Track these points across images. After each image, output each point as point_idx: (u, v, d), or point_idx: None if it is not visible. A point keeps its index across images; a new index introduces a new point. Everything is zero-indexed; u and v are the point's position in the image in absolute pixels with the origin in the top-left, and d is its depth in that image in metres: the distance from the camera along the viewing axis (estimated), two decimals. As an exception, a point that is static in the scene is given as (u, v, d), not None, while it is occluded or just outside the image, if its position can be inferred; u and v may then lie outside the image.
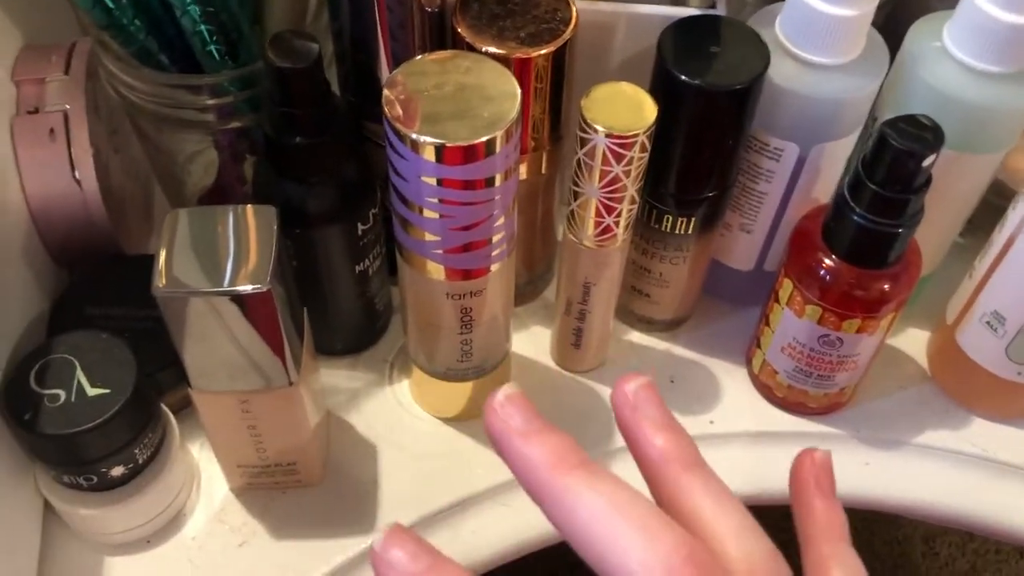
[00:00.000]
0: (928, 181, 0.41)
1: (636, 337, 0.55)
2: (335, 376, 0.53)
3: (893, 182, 0.41)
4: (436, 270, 0.42)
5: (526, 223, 0.51)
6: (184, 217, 0.39)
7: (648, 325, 0.55)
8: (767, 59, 0.42)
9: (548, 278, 0.56)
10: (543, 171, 0.48)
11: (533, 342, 0.55)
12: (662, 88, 0.43)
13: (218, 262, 0.38)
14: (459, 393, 0.49)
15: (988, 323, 0.48)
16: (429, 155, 0.36)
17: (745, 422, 0.52)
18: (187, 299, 0.37)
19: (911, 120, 0.41)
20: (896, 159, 0.40)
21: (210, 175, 0.50)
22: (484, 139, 0.36)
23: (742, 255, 0.53)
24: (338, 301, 0.49)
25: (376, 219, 0.47)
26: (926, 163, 0.40)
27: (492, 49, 0.42)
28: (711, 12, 0.47)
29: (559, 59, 0.43)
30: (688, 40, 0.43)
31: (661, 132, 0.42)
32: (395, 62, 0.44)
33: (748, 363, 0.53)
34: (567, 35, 0.43)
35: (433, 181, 0.37)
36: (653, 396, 0.27)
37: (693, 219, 0.47)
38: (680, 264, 0.50)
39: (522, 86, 0.43)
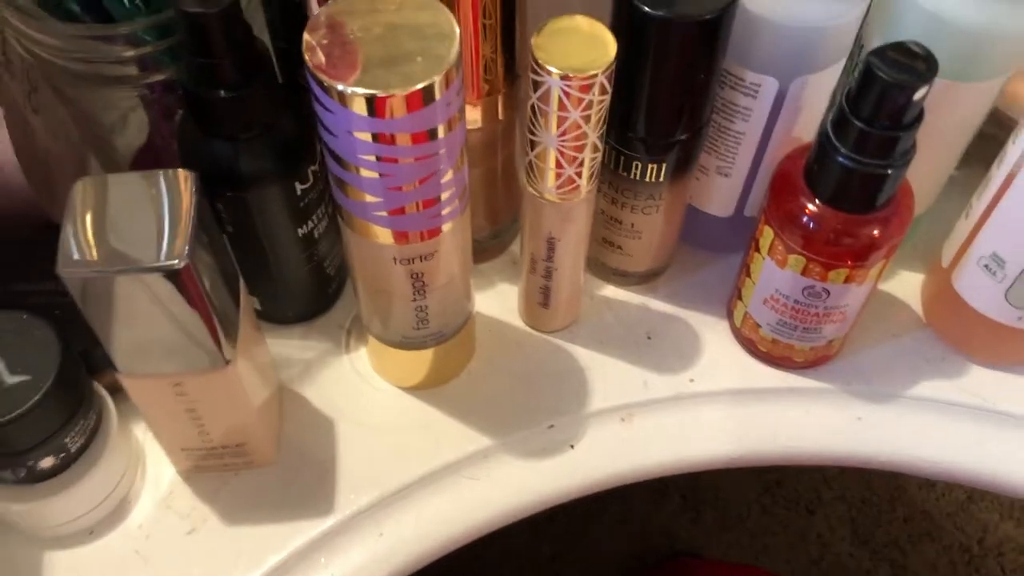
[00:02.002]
0: (920, 116, 0.37)
1: (610, 291, 0.52)
2: (286, 347, 0.49)
3: (881, 118, 0.37)
4: (381, 234, 0.38)
5: (485, 174, 0.47)
6: (92, 187, 0.35)
7: (622, 278, 0.51)
8: (739, -17, 0.38)
9: (514, 230, 0.53)
10: (500, 117, 0.44)
11: (500, 301, 0.51)
12: (624, 21, 0.38)
13: (130, 236, 0.34)
14: (420, 361, 0.46)
15: (986, 266, 0.45)
16: (360, 108, 0.32)
17: (727, 379, 0.49)
18: (96, 279, 0.33)
19: (900, 48, 0.36)
20: (884, 93, 0.36)
21: (143, 135, 0.46)
22: (421, 86, 0.32)
23: (720, 200, 0.49)
24: (283, 267, 0.46)
25: (318, 176, 0.43)
26: (917, 96, 0.36)
27: (432, -17, 0.37)
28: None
29: (508, -9, 0.39)
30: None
31: (625, 71, 0.38)
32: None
33: (730, 316, 0.50)
34: (516, -36, 0.38)
35: (367, 137, 0.33)
36: None
37: (664, 165, 0.43)
38: (653, 213, 0.46)
39: (469, 23, 0.39)
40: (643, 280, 0.51)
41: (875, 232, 0.41)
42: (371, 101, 0.32)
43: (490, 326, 0.50)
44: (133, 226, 0.34)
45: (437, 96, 0.33)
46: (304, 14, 0.40)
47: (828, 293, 0.43)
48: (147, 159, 0.47)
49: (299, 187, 0.42)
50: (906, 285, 0.52)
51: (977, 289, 0.46)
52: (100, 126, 0.46)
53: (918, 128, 0.38)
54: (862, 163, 0.38)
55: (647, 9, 0.37)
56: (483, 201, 0.49)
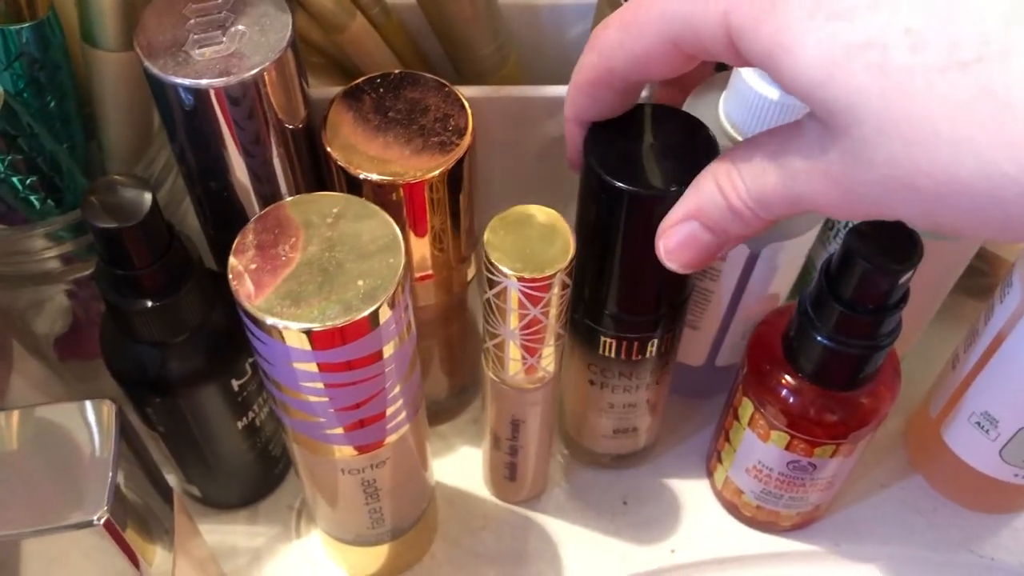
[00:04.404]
0: (906, 296, 0.35)
1: (580, 450, 0.48)
2: (231, 534, 0.45)
3: (864, 301, 0.34)
4: (326, 449, 0.34)
5: (442, 341, 0.44)
6: (-4, 429, 0.31)
7: (592, 435, 0.48)
8: (714, 152, 0.35)
9: (476, 385, 0.49)
10: (453, 290, 0.41)
11: (462, 467, 0.47)
12: (594, 195, 0.35)
13: (40, 484, 0.30)
14: (376, 555, 0.42)
15: (978, 423, 0.42)
16: (296, 342, 0.29)
17: (710, 547, 0.45)
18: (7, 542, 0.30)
19: (882, 227, 0.34)
20: (866, 278, 0.34)
21: (60, 322, 0.42)
22: (365, 314, 0.29)
23: (690, 351, 0.46)
24: (224, 460, 0.42)
25: (255, 367, 0.39)
26: (903, 280, 0.34)
27: (372, 176, 0.34)
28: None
29: (455, 177, 0.35)
30: (619, 135, 0.35)
31: (598, 244, 0.35)
32: (255, 183, 0.36)
33: (709, 475, 0.47)
34: (463, 148, 0.35)
35: (306, 368, 0.30)
36: None
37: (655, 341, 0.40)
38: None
39: (415, 213, 0.36)
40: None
41: (861, 408, 0.38)
42: (308, 335, 0.29)
43: (452, 499, 0.46)
44: (40, 470, 0.30)
45: (381, 321, 0.29)
46: (228, 199, 0.37)
47: (814, 467, 0.40)
48: (71, 344, 0.43)
49: (235, 383, 0.38)
50: (888, 423, 0.49)
51: (969, 445, 0.43)
52: (21, 319, 0.42)
53: (904, 307, 0.35)
54: (845, 343, 0.36)
55: (618, 184, 0.33)
56: (440, 367, 0.45)
